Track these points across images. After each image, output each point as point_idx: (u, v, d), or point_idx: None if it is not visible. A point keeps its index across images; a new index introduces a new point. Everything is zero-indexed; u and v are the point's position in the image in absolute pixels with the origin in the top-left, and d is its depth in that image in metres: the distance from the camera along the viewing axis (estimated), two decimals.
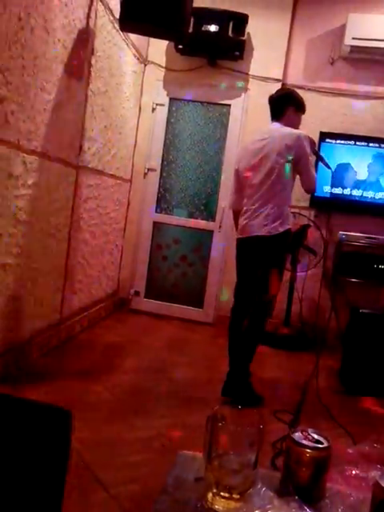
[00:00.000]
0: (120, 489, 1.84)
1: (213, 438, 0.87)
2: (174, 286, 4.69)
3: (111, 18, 3.47)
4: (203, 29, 3.95)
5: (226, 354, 3.15)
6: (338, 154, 4.26)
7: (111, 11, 3.43)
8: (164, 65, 4.51)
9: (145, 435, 2.33)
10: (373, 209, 4.26)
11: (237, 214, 3.10)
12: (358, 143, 4.28)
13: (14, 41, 2.34)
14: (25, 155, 2.60)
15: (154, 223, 4.66)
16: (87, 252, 3.73)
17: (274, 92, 3.18)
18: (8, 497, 0.87)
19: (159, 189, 4.64)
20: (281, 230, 2.82)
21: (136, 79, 4.35)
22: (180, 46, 4.12)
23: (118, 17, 3.11)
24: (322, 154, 3.13)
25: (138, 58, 4.28)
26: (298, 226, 4.09)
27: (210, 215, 4.60)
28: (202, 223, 4.62)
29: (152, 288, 4.70)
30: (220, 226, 4.52)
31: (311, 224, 4.28)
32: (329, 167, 2.97)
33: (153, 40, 4.36)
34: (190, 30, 3.89)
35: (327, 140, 4.26)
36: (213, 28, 3.96)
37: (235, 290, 3.06)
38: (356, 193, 4.27)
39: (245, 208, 2.95)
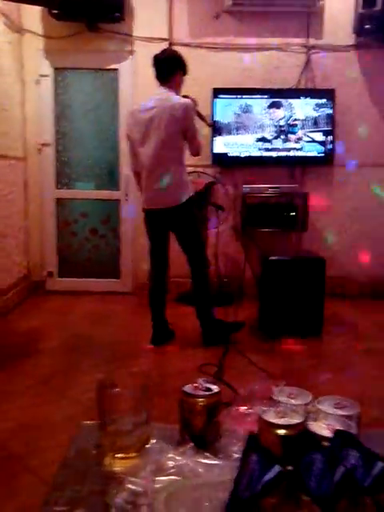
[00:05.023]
0: (47, 470, 1.83)
1: (103, 404, 0.88)
2: (87, 260, 4.61)
3: None
4: None
5: (149, 319, 3.21)
6: (232, 108, 4.28)
7: None
8: (41, 33, 4.26)
9: (71, 412, 2.32)
10: (272, 160, 4.37)
11: (138, 175, 3.23)
12: (252, 96, 4.32)
13: None
14: None
15: (57, 200, 4.51)
16: None
17: (158, 52, 3.15)
18: None
19: (57, 163, 4.47)
20: (185, 198, 3.07)
21: (13, 50, 4.08)
22: (54, 11, 3.89)
23: None
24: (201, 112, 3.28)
25: (9, 27, 3.99)
26: (203, 185, 4.13)
27: (115, 184, 4.51)
28: (107, 193, 4.53)
29: (65, 266, 4.59)
30: (127, 195, 4.46)
31: (215, 181, 4.34)
32: (208, 125, 3.14)
33: (24, 6, 4.09)
34: None
35: (220, 96, 4.26)
36: None
37: (152, 257, 3.25)
38: (255, 145, 4.35)
39: (145, 182, 3.10)
